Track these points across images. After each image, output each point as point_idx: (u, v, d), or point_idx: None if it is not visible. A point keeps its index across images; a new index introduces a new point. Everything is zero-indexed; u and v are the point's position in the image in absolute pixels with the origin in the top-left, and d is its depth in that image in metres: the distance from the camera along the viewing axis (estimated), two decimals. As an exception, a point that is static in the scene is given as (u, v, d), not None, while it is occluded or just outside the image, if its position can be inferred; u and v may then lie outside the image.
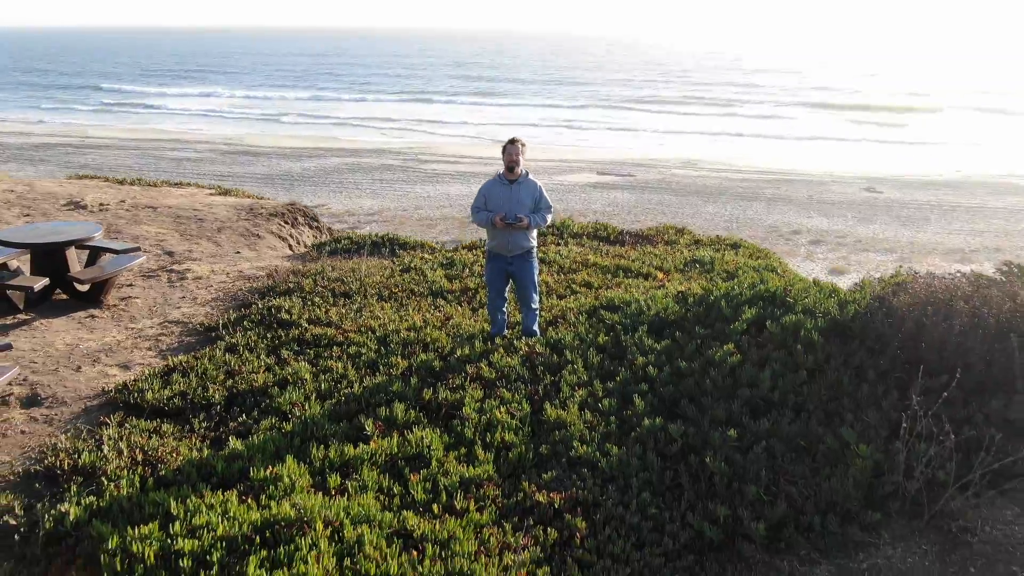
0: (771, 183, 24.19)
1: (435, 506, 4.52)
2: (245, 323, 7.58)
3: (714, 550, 4.38)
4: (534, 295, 6.75)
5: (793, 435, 5.04)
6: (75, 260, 9.09)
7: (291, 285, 8.58)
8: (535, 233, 6.68)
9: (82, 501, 4.56)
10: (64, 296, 9.03)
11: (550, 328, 7.00)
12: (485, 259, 6.87)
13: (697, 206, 20.13)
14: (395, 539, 4.20)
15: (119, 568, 3.97)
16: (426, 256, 10.15)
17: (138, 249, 9.63)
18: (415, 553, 4.10)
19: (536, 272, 6.75)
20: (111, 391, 6.37)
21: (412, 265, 9.47)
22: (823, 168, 27.73)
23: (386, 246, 11.16)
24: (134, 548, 4.02)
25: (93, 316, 8.53)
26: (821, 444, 4.96)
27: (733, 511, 4.50)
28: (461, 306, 7.88)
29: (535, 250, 6.65)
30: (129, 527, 4.20)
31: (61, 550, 4.25)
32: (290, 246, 13.23)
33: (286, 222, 14.03)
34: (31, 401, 6.39)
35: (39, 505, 4.66)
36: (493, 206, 6.52)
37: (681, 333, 6.28)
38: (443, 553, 4.10)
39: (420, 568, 3.98)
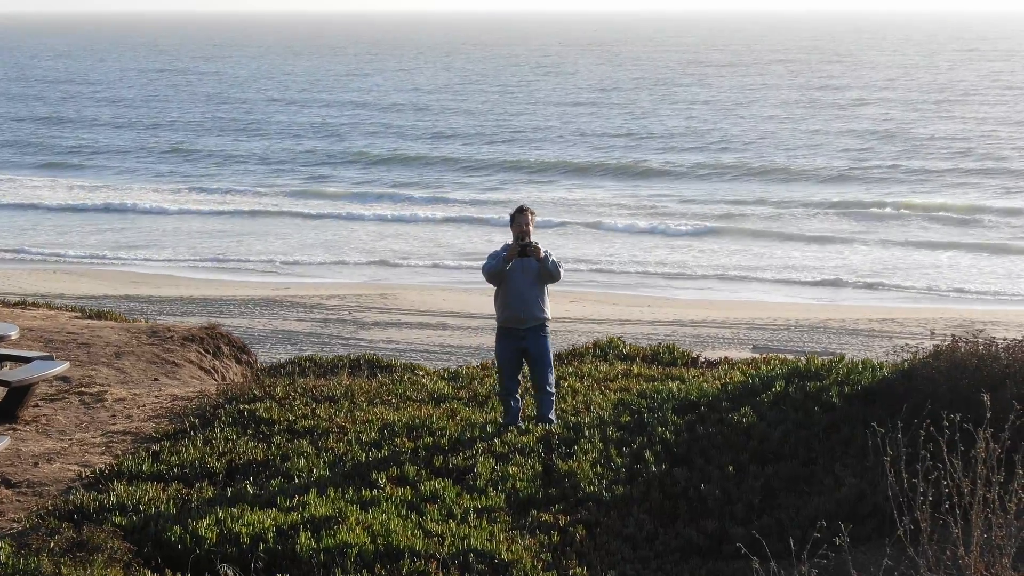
0: None
1: (451, 521, 11.31)
2: (216, 424, 14.53)
3: (701, 555, 11.08)
4: (550, 375, 13.82)
5: (795, 477, 11.82)
6: (-18, 367, 16.22)
7: (259, 393, 15.62)
8: (548, 302, 13.72)
9: (129, 519, 11.39)
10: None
11: (571, 416, 13.88)
12: (496, 338, 13.90)
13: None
14: (418, 531, 10.99)
15: (188, 544, 10.76)
16: (421, 372, 17.26)
17: (52, 357, 16.78)
18: (436, 539, 10.87)
19: (551, 350, 13.74)
20: (93, 474, 13.24)
21: (406, 378, 16.54)
22: None
23: (364, 369, 18.28)
24: (199, 531, 10.84)
25: (15, 429, 15.59)
26: (820, 484, 11.71)
27: (721, 524, 11.24)
28: (469, 407, 14.82)
29: (549, 325, 13.65)
30: (188, 520, 11.04)
31: (126, 544, 11.06)
32: (214, 380, 20.36)
33: (206, 350, 21.34)
34: (6, 483, 13.30)
35: (84, 528, 11.49)
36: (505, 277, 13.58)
37: (706, 409, 13.17)
38: (460, 542, 10.85)
39: (441, 547, 10.73)
